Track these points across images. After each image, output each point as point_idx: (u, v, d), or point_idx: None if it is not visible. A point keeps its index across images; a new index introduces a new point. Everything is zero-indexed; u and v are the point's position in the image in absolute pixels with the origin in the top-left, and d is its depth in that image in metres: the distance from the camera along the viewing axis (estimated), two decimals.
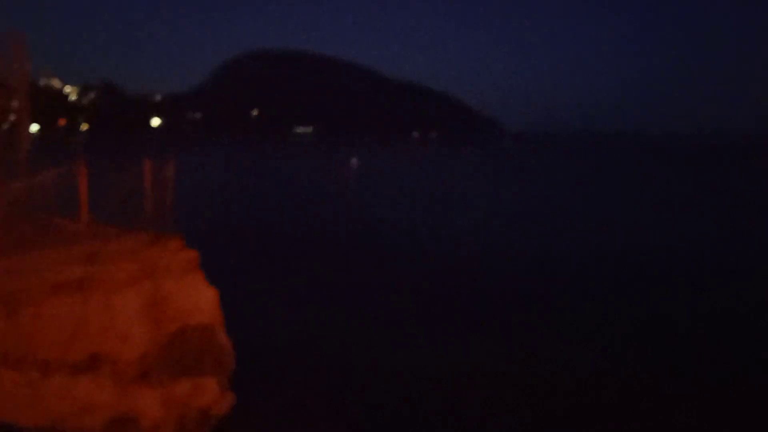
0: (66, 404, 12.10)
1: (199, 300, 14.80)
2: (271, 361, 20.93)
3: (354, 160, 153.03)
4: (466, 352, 23.45)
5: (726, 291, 32.85)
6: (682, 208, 68.43)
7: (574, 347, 23.90)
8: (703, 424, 17.32)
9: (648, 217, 61.34)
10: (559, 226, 53.97)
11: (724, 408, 18.36)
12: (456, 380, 20.73)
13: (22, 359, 12.05)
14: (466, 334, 25.23)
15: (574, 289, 32.83)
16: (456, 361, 22.36)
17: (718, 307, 29.71)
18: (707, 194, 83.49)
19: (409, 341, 24.27)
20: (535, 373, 21.37)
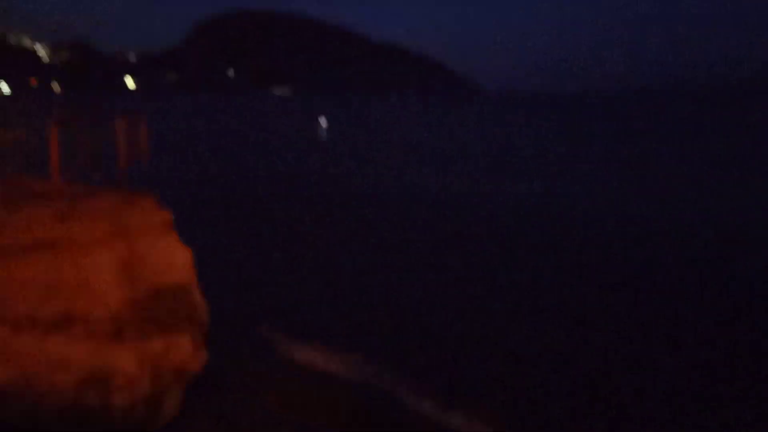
0: (38, 362, 12.17)
1: (172, 260, 14.82)
2: (245, 320, 21.12)
3: (322, 119, 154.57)
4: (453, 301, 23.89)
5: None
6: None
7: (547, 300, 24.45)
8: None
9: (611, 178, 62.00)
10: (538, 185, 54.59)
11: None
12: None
13: None
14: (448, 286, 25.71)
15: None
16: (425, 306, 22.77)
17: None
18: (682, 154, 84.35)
19: (388, 293, 24.63)
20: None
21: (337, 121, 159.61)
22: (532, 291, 25.92)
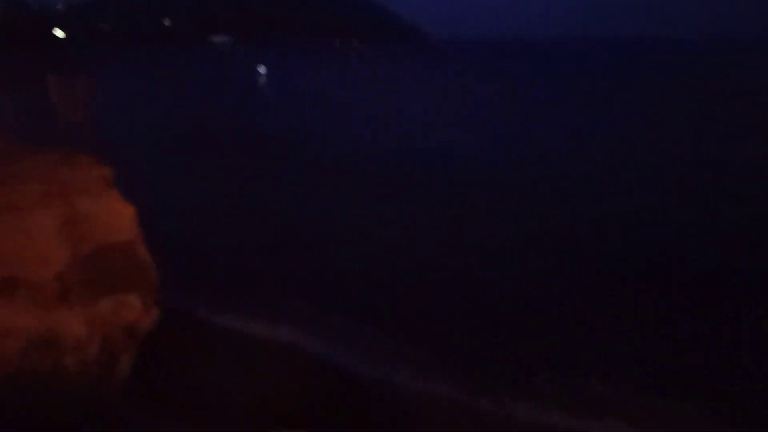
0: None
1: (116, 217, 14.50)
2: (199, 275, 20.96)
3: (262, 68, 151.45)
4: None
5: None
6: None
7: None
8: None
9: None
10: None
11: None
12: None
13: None
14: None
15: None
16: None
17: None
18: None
19: (329, 237, 24.77)
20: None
21: (278, 69, 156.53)
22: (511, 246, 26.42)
